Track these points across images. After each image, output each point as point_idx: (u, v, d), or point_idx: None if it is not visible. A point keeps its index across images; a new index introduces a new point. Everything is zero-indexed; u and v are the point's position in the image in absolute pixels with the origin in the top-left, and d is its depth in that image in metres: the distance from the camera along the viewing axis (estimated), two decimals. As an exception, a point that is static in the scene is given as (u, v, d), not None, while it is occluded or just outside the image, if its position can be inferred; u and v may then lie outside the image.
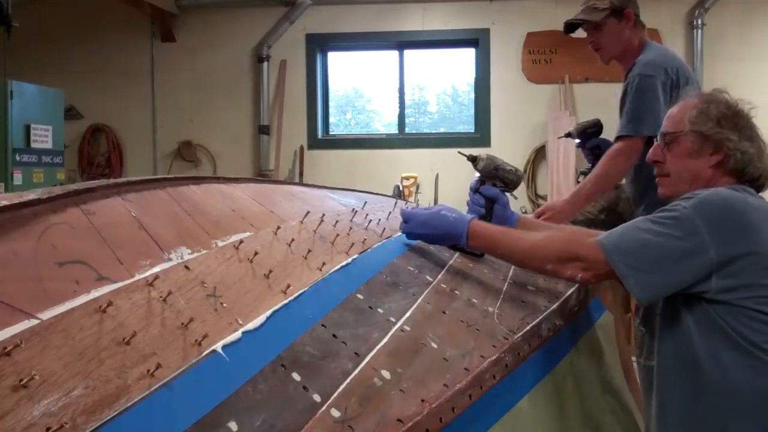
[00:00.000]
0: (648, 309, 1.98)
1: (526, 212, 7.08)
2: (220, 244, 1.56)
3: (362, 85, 9.01)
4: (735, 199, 1.83)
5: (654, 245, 1.79)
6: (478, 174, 2.42)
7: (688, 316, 1.82)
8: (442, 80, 8.83)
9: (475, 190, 2.40)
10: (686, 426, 1.83)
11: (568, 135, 3.49)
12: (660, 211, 1.85)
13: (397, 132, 8.55)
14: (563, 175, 7.55)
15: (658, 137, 2.05)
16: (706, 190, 1.88)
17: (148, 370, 1.07)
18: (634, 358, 2.47)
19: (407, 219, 2.16)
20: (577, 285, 2.20)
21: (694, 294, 1.79)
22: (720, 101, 1.98)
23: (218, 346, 1.21)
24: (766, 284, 1.76)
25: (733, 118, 1.95)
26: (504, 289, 2.11)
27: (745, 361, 1.75)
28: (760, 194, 1.95)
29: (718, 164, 1.93)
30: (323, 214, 1.99)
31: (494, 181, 2.40)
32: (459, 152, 2.62)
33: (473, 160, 2.41)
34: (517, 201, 7.48)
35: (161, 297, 1.24)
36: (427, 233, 2.14)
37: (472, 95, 8.40)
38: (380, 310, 1.63)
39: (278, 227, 1.77)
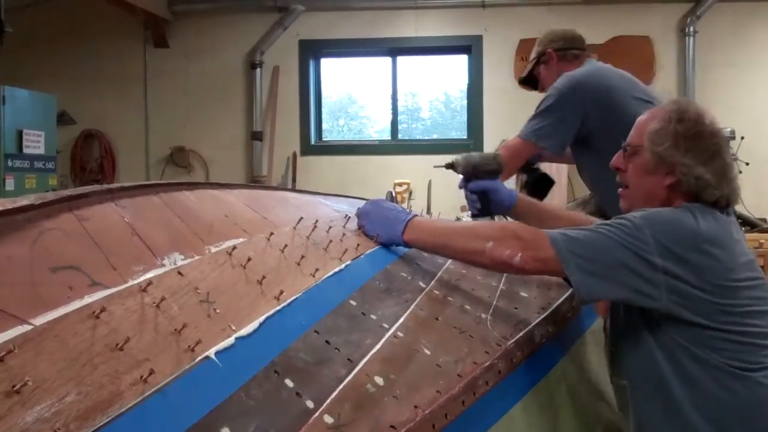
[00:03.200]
0: (613, 328, 1.96)
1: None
2: (214, 249, 1.56)
3: (355, 92, 9.02)
4: (684, 217, 1.80)
5: (602, 240, 1.76)
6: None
7: (648, 335, 1.80)
8: (434, 87, 8.85)
9: (464, 188, 2.45)
10: None
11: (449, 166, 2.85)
12: (614, 218, 1.83)
13: (390, 138, 8.57)
14: (556, 181, 7.56)
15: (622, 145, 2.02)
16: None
17: (142, 376, 1.07)
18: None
19: (360, 212, 2.18)
20: (570, 291, 2.20)
21: (649, 311, 1.78)
22: (685, 118, 1.90)
23: (211, 352, 1.21)
24: (717, 302, 1.74)
25: (692, 139, 1.87)
26: (497, 295, 2.11)
27: (711, 374, 1.74)
28: (725, 212, 1.91)
29: (671, 186, 1.89)
30: (316, 220, 1.99)
31: (478, 176, 2.43)
32: (435, 166, 2.62)
33: (451, 166, 2.47)
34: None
35: (154, 303, 1.24)
36: (373, 226, 2.11)
37: (465, 102, 8.42)
38: (373, 317, 1.63)
39: (271, 233, 1.77)
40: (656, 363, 1.79)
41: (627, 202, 2.00)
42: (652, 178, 1.91)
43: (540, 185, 3.27)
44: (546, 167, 3.64)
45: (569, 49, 3.33)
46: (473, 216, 2.45)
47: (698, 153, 1.86)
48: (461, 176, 2.46)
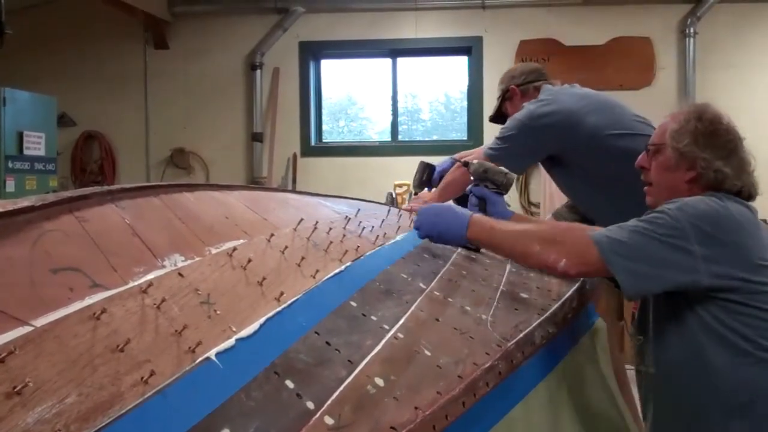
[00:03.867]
0: (642, 316, 2.06)
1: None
2: (214, 251, 1.56)
3: (355, 93, 9.02)
4: (715, 203, 1.91)
5: (642, 240, 1.85)
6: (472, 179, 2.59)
7: (683, 319, 1.90)
8: (435, 88, 8.84)
9: (469, 192, 2.58)
10: (702, 425, 1.88)
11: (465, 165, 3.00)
12: (647, 214, 1.93)
13: (390, 139, 8.56)
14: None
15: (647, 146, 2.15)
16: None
17: (142, 377, 1.07)
18: (628, 366, 2.49)
19: (420, 212, 2.21)
20: (570, 292, 2.22)
21: (687, 295, 1.87)
22: (703, 118, 2.04)
23: (212, 353, 1.21)
24: (753, 280, 1.84)
25: (710, 136, 2.01)
26: (497, 296, 2.11)
27: (745, 359, 1.82)
28: (748, 202, 2.02)
29: (692, 180, 2.02)
30: (316, 222, 1.99)
31: (486, 183, 2.55)
32: (452, 158, 2.82)
33: (465, 165, 2.61)
34: (510, 208, 7.47)
35: (155, 304, 1.24)
36: (436, 222, 2.14)
37: (465, 103, 8.41)
38: (374, 318, 1.63)
39: (272, 234, 1.77)
40: (695, 347, 1.87)
41: (652, 198, 2.12)
42: (675, 174, 2.05)
43: None
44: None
45: (530, 82, 3.48)
46: None
47: (716, 149, 2.01)
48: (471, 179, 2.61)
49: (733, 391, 1.83)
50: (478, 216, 2.15)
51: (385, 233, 2.29)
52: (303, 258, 1.74)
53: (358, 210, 2.43)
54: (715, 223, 1.86)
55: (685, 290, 1.87)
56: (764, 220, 7.28)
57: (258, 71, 8.26)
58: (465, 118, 8.40)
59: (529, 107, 3.22)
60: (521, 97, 3.45)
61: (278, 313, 1.45)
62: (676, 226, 1.85)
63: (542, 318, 1.99)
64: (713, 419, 1.85)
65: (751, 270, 1.84)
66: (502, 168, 2.60)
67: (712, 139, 2.02)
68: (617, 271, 1.85)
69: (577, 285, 2.34)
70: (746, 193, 2.02)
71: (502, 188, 2.56)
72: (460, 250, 2.52)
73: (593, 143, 3.07)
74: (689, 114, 2.06)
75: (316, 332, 1.45)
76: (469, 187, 2.59)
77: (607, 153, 3.04)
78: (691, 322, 1.89)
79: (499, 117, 3.60)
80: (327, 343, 1.43)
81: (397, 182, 7.82)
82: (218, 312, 1.34)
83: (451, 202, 2.42)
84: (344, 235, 2.05)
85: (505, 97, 3.53)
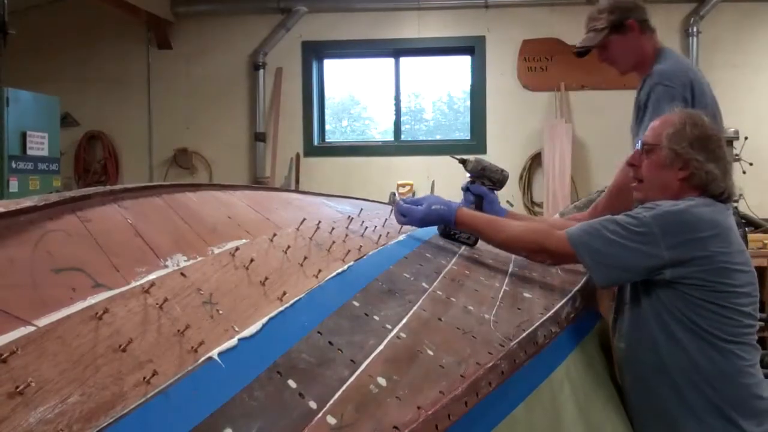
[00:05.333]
0: (620, 298, 2.34)
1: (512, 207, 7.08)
2: (216, 251, 1.56)
3: (358, 93, 9.02)
4: (687, 208, 2.13)
5: (614, 243, 2.12)
6: (468, 176, 2.72)
7: (647, 303, 2.18)
8: (437, 87, 8.83)
9: (466, 189, 2.69)
10: (652, 396, 2.17)
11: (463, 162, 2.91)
12: (624, 215, 2.17)
13: (392, 139, 8.56)
14: (559, 183, 7.56)
15: (639, 144, 2.34)
16: (669, 201, 2.18)
17: (144, 377, 1.07)
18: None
19: (405, 214, 2.41)
20: (573, 292, 2.24)
21: (652, 281, 2.15)
22: (696, 124, 2.25)
23: (214, 353, 1.21)
24: (712, 281, 2.08)
25: (704, 141, 2.22)
26: (500, 296, 2.11)
27: (695, 341, 2.10)
28: (726, 205, 2.26)
29: (684, 179, 2.22)
30: (319, 222, 1.99)
31: (482, 180, 2.69)
32: (451, 156, 2.87)
33: (463, 162, 2.72)
34: (513, 208, 7.48)
35: (157, 304, 1.24)
36: (423, 226, 2.45)
37: (468, 102, 8.41)
38: (376, 317, 1.63)
39: (274, 234, 1.77)
40: (650, 327, 2.17)
41: (641, 194, 2.31)
42: (668, 173, 2.24)
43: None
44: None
45: (644, 20, 3.19)
46: None
47: (708, 152, 2.22)
48: (467, 176, 2.70)
49: (684, 369, 2.10)
50: (463, 214, 2.37)
51: (388, 233, 2.29)
52: (305, 258, 1.74)
53: (361, 210, 2.43)
54: (685, 227, 2.10)
55: (651, 281, 2.14)
56: (766, 220, 7.20)
57: (261, 71, 8.26)
58: (468, 118, 8.40)
59: (666, 69, 3.05)
60: (636, 34, 3.16)
61: (281, 312, 1.45)
62: (647, 227, 2.09)
63: (545, 318, 1.99)
64: (670, 391, 2.13)
65: (714, 272, 2.08)
66: (499, 166, 2.71)
67: (705, 144, 2.22)
68: (588, 264, 2.17)
69: (580, 285, 2.34)
70: (727, 195, 2.24)
71: (498, 185, 2.70)
72: (462, 249, 2.52)
73: None
74: (684, 118, 2.26)
75: (318, 332, 1.45)
76: (465, 183, 2.69)
77: None
78: (654, 307, 2.16)
79: (587, 51, 3.28)
80: (329, 342, 1.43)
81: (399, 182, 7.83)
82: (221, 312, 1.34)
83: (429, 196, 2.50)
84: (347, 235, 2.05)
85: (615, 28, 3.16)
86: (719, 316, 2.09)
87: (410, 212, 2.40)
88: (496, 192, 2.70)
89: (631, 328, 2.25)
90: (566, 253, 2.20)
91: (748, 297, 2.15)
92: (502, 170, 2.72)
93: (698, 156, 2.20)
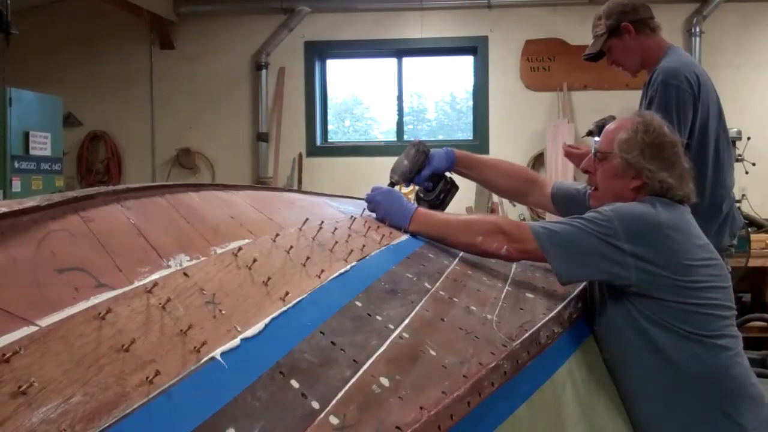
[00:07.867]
0: (593, 308, 2.26)
1: (524, 219, 7.09)
2: (219, 251, 1.56)
3: (361, 93, 9.03)
4: (647, 207, 2.10)
5: (576, 231, 2.07)
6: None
7: (619, 312, 2.11)
8: (440, 88, 8.84)
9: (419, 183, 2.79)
10: (645, 406, 2.11)
11: (590, 133, 3.57)
12: (589, 212, 2.13)
13: (395, 139, 8.57)
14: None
15: (592, 150, 2.32)
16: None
17: (147, 377, 1.07)
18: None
19: (370, 200, 2.43)
20: (576, 292, 2.23)
21: (620, 290, 2.09)
22: (648, 130, 2.20)
23: (217, 353, 1.21)
24: (680, 280, 2.03)
25: (656, 148, 2.18)
26: (502, 296, 2.11)
27: (677, 341, 2.04)
28: (683, 205, 2.22)
29: (638, 188, 2.19)
30: (322, 222, 1.99)
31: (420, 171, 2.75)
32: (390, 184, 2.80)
33: (395, 184, 2.74)
34: (516, 209, 7.48)
35: (160, 304, 1.24)
36: (387, 207, 2.37)
37: (471, 103, 8.42)
38: (379, 318, 1.63)
39: (277, 234, 1.77)
40: (627, 337, 2.10)
41: (597, 202, 2.27)
42: (621, 181, 2.22)
43: (448, 194, 3.19)
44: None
45: (644, 19, 3.25)
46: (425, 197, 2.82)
47: (661, 161, 2.17)
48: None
49: (673, 376, 2.04)
50: (421, 211, 2.35)
51: (391, 233, 2.29)
52: (308, 258, 1.74)
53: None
54: (645, 225, 2.06)
55: (615, 284, 2.08)
56: (766, 220, 7.21)
57: (263, 71, 8.27)
58: (471, 118, 8.41)
59: (671, 66, 3.11)
60: (633, 35, 3.22)
61: (283, 312, 1.44)
62: (609, 224, 2.04)
63: (548, 318, 1.99)
64: (662, 398, 2.07)
65: (677, 270, 2.03)
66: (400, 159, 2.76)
67: (658, 152, 2.17)
68: (551, 258, 2.09)
69: (582, 285, 2.34)
70: (686, 201, 2.21)
71: (402, 178, 2.75)
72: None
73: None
74: (637, 124, 2.21)
75: (321, 332, 1.45)
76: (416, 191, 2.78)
77: None
78: (631, 318, 2.09)
79: (596, 56, 3.36)
80: (332, 342, 1.43)
81: (402, 182, 7.81)
82: (223, 312, 1.34)
83: (401, 193, 2.50)
84: (349, 235, 2.05)
85: (615, 33, 3.24)
86: (697, 314, 2.04)
87: (375, 194, 2.43)
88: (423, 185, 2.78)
89: (613, 341, 2.18)
90: (524, 237, 2.11)
91: (719, 290, 2.10)
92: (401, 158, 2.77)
93: (650, 165, 2.16)
